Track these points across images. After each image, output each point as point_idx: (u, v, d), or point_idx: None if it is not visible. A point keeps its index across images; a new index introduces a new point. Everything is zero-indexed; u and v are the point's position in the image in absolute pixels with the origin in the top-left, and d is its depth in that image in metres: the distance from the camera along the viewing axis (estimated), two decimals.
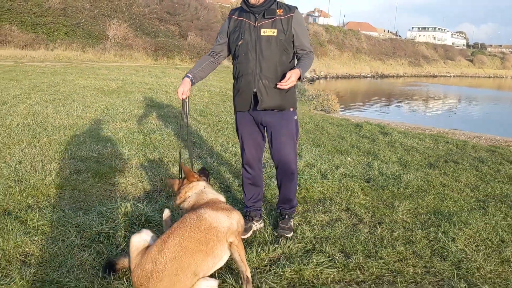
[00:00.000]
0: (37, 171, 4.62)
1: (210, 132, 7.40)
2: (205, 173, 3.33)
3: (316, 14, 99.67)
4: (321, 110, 13.96)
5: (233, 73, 3.60)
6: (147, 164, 5.27)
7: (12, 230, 3.25)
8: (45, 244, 3.15)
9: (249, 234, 3.62)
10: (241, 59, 3.47)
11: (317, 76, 40.66)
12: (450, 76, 65.89)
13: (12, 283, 2.65)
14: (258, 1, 3.39)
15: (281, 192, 3.83)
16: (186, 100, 3.46)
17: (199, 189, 3.04)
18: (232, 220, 2.77)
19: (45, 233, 3.32)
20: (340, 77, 45.14)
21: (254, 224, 3.76)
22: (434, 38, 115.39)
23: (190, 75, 3.50)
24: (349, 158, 6.29)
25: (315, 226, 3.85)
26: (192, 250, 2.48)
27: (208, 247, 2.55)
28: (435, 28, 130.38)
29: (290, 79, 3.30)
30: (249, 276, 2.75)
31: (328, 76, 43.37)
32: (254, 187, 3.82)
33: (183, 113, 3.58)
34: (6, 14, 25.22)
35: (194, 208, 2.84)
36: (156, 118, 8.26)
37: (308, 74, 38.19)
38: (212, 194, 3.03)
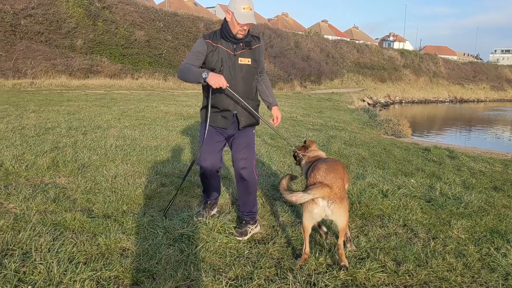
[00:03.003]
0: (129, 184, 5.40)
1: (279, 154, 7.92)
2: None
3: (391, 38, 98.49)
4: (392, 134, 14.03)
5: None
6: (221, 181, 5.87)
7: (112, 229, 3.95)
8: (138, 241, 3.80)
9: (246, 237, 4.08)
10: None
11: (391, 101, 40.08)
12: None
13: (114, 269, 3.29)
14: (242, 37, 4.04)
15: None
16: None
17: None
18: None
19: (138, 233, 3.99)
20: (416, 102, 44.08)
21: (249, 227, 4.20)
22: None
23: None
24: (412, 180, 6.51)
25: (371, 238, 4.19)
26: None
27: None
28: None
29: (279, 118, 4.43)
30: None
31: (404, 101, 42.56)
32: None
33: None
34: (97, 47, 27.83)
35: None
36: None
37: (382, 99, 37.91)
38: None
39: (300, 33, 53.91)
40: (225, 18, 4.03)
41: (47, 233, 3.80)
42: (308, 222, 3.61)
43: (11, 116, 10.56)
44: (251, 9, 3.90)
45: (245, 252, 3.76)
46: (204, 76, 3.77)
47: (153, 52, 30.38)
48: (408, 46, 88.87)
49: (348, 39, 65.34)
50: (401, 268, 3.57)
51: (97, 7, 29.83)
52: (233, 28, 3.96)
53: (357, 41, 62.72)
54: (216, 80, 3.77)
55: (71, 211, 4.38)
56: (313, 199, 3.44)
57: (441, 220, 4.84)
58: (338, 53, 49.51)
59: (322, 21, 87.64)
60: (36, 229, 3.84)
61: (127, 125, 10.11)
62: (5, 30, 24.16)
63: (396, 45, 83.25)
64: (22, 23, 25.23)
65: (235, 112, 4.12)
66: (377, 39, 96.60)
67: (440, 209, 5.20)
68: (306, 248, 3.64)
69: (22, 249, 3.47)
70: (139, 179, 5.64)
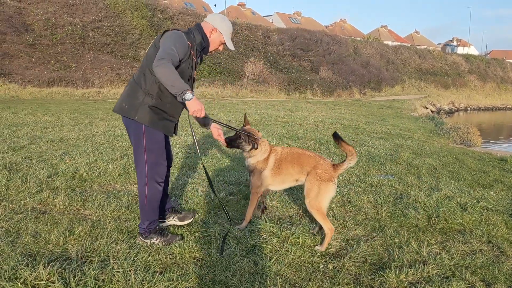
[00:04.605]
0: (198, 192, 5.41)
1: None
2: None
3: (455, 43, 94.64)
4: (461, 143, 13.36)
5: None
6: (289, 190, 5.75)
7: (185, 238, 3.94)
8: (211, 251, 3.75)
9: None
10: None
11: (456, 108, 38.42)
12: None
13: (189, 280, 3.25)
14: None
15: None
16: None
17: None
18: None
19: (210, 242, 3.95)
20: (483, 109, 41.99)
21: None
22: None
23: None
24: (492, 193, 6.10)
25: (455, 255, 3.92)
26: None
27: None
28: None
29: None
30: None
31: (469, 108, 40.67)
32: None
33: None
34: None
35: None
36: None
37: (446, 106, 36.49)
38: None
39: (359, 39, 53.02)
40: (202, 29, 3.80)
41: (123, 240, 3.85)
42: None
43: (81, 124, 11.01)
44: None
45: (321, 267, 3.62)
46: (188, 97, 3.33)
47: (212, 61, 30.88)
48: (473, 51, 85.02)
49: (409, 45, 63.52)
50: None
51: (160, 18, 30.81)
52: (213, 45, 3.89)
53: (418, 47, 60.77)
54: (197, 110, 3.43)
55: None
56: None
57: None
58: (398, 59, 48.23)
59: (381, 27, 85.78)
60: (112, 236, 3.90)
61: (190, 133, 10.23)
62: (75, 42, 25.43)
63: (460, 50, 79.95)
64: (90, 35, 26.46)
65: (177, 120, 4.01)
66: (439, 44, 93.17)
67: None
68: None
69: (100, 256, 3.52)
70: (208, 187, 5.64)
